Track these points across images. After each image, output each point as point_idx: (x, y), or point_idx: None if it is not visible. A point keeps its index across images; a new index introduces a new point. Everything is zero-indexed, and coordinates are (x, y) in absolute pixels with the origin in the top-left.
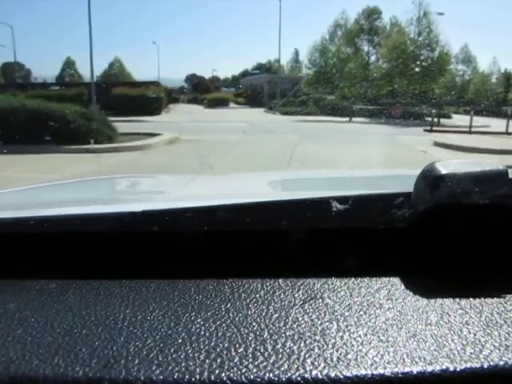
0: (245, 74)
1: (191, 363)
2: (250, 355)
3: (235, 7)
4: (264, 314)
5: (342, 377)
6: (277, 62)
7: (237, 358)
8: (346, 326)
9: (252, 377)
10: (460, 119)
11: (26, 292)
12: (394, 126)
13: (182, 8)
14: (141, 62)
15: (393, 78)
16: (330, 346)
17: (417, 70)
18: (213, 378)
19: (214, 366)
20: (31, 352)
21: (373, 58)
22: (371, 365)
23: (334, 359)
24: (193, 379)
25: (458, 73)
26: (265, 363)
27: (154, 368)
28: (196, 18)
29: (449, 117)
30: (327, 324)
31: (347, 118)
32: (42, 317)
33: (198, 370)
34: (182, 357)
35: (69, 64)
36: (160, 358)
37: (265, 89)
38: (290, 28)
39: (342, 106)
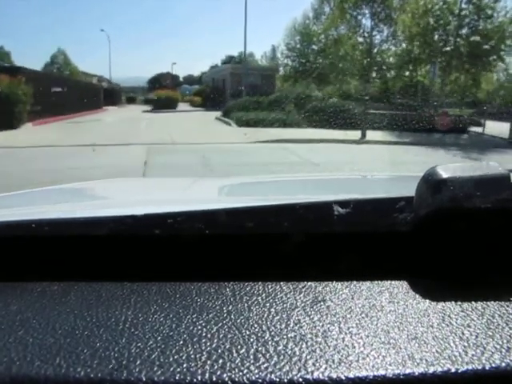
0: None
1: (193, 365)
2: (252, 357)
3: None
4: (265, 316)
5: (343, 378)
6: (251, 54)
7: (238, 360)
8: (348, 329)
9: (253, 378)
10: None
11: (28, 294)
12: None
13: (151, 8)
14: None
15: (419, 65)
16: (331, 348)
17: (462, 49)
18: (214, 379)
19: (216, 367)
20: (33, 353)
21: (378, 39)
22: (373, 366)
23: (336, 361)
24: (194, 380)
25: None
26: (266, 365)
27: (155, 369)
28: (169, 17)
29: (479, 124)
30: (329, 326)
31: (354, 132)
32: (44, 318)
33: (199, 371)
34: (183, 358)
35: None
36: (162, 360)
37: (227, 84)
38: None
39: (343, 111)
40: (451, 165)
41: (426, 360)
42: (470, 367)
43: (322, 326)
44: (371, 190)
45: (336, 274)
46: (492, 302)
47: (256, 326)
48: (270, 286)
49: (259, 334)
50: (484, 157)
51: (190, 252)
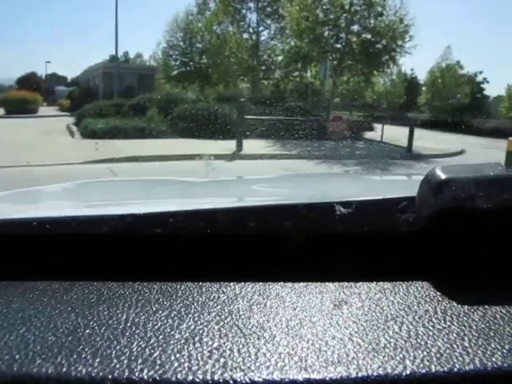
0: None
1: (194, 364)
2: (253, 356)
3: None
4: (266, 316)
5: (345, 378)
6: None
7: (239, 359)
8: (348, 328)
9: (255, 378)
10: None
11: (29, 293)
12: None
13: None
14: None
15: (309, 63)
16: (332, 347)
17: (354, 46)
18: (215, 378)
19: (217, 366)
20: (34, 351)
21: (265, 35)
22: (373, 366)
23: (337, 361)
24: (195, 380)
25: None
26: (267, 364)
27: (157, 368)
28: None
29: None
30: (329, 326)
31: (232, 143)
32: (45, 317)
33: (200, 370)
34: (185, 357)
35: None
36: (163, 359)
37: (99, 85)
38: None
39: (220, 117)
40: (453, 165)
41: (427, 360)
42: (471, 367)
43: (323, 325)
44: (373, 191)
45: (337, 275)
46: (493, 303)
47: (257, 325)
48: (271, 286)
49: (260, 334)
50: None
51: (192, 251)
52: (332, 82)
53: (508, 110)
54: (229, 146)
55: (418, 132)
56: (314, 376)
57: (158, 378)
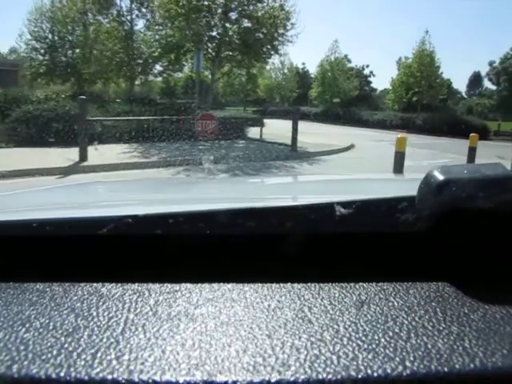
0: None
1: (195, 365)
2: (253, 356)
3: None
4: (267, 316)
5: (345, 378)
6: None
7: (240, 360)
8: (346, 329)
9: (255, 379)
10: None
11: (29, 294)
12: None
13: None
14: None
15: (184, 54)
16: (332, 347)
17: (233, 34)
18: (216, 379)
19: (218, 367)
20: (34, 353)
21: (139, 25)
22: (374, 366)
23: (336, 361)
24: (196, 380)
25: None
26: (267, 364)
27: (157, 369)
28: None
29: (262, 124)
30: (328, 326)
31: (73, 155)
32: (45, 318)
33: (202, 371)
34: (185, 358)
35: None
36: (163, 360)
37: None
38: None
39: (69, 119)
40: (453, 165)
41: (427, 361)
42: (471, 368)
43: (323, 326)
44: (373, 191)
45: (337, 275)
46: (493, 303)
47: (257, 325)
48: (272, 287)
49: (260, 334)
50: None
51: (192, 252)
52: (211, 75)
53: (393, 103)
54: (76, 155)
55: (309, 126)
56: (314, 376)
57: (158, 379)
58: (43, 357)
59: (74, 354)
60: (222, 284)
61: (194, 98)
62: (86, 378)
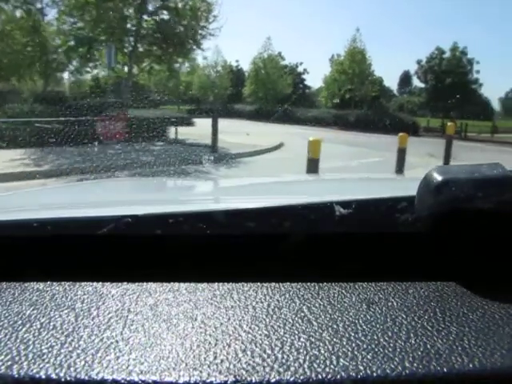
0: None
1: (191, 365)
2: (251, 356)
3: None
4: (266, 316)
5: (344, 378)
6: None
7: (239, 361)
8: (345, 329)
9: (254, 379)
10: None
11: (29, 293)
12: None
13: None
14: None
15: (96, 49)
16: (331, 347)
17: (149, 25)
18: (217, 380)
19: (219, 367)
20: (34, 353)
21: (50, 15)
22: (373, 366)
23: (335, 361)
24: (196, 380)
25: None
26: (266, 363)
27: (157, 370)
28: None
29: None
30: (327, 326)
31: None
32: (45, 318)
33: (200, 371)
34: (186, 359)
35: None
36: (164, 360)
37: None
38: None
39: None
40: (452, 165)
41: (426, 361)
42: (470, 368)
43: (322, 325)
44: (372, 191)
45: (336, 275)
46: (492, 303)
47: (256, 326)
48: (271, 287)
49: (260, 334)
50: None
51: (191, 252)
52: (127, 70)
53: (326, 100)
54: None
55: (242, 125)
56: (313, 376)
57: (157, 379)
58: (43, 357)
59: (74, 353)
60: (221, 284)
61: (121, 97)
62: (86, 377)
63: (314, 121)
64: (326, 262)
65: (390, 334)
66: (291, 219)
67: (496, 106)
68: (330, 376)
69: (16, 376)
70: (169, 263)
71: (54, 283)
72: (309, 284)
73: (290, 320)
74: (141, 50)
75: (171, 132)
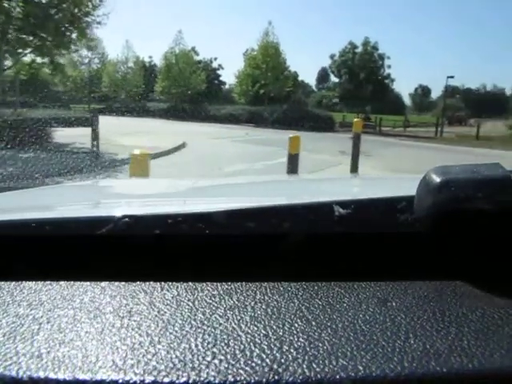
0: None
1: (193, 365)
2: (250, 356)
3: None
4: (265, 316)
5: (344, 378)
6: None
7: (239, 360)
8: (344, 329)
9: (252, 379)
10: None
11: (27, 293)
12: None
13: None
14: None
15: None
16: (330, 347)
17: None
18: (217, 380)
19: (219, 368)
20: (32, 352)
21: None
22: (372, 366)
23: (334, 361)
24: (196, 380)
25: (83, 60)
26: (265, 363)
27: (157, 371)
28: None
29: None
30: (326, 326)
31: None
32: (44, 317)
33: (198, 371)
34: (186, 359)
35: None
36: (165, 361)
37: None
38: None
39: None
40: (452, 165)
41: (425, 361)
42: (470, 368)
43: (320, 325)
44: (372, 191)
45: (336, 275)
46: (492, 303)
47: (255, 326)
48: (270, 287)
49: (258, 334)
50: None
51: (190, 252)
52: None
53: (240, 96)
54: None
55: (151, 124)
56: (312, 376)
57: (159, 380)
58: (42, 356)
59: (73, 353)
60: (220, 284)
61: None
62: (85, 377)
63: (230, 118)
64: (325, 262)
65: (389, 333)
66: (290, 219)
67: (407, 101)
68: (329, 376)
69: (14, 376)
70: (167, 263)
71: (52, 283)
72: (308, 284)
73: (289, 320)
74: (10, 37)
75: (58, 135)
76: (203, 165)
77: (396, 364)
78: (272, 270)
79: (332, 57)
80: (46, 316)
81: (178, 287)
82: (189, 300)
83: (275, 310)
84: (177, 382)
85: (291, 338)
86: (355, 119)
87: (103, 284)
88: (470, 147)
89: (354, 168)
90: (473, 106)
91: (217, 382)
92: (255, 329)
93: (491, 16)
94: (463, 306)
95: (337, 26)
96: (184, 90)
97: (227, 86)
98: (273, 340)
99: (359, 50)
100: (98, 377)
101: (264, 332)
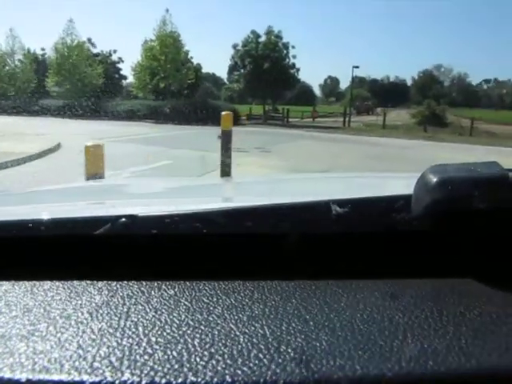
0: None
1: (190, 365)
2: (248, 354)
3: None
4: (263, 314)
5: (341, 377)
6: None
7: (239, 359)
8: (342, 328)
9: (252, 379)
10: None
11: (26, 293)
12: None
13: None
14: None
15: None
16: (328, 347)
17: None
18: (216, 380)
19: (218, 367)
20: (20, 353)
21: None
22: (370, 366)
23: (332, 361)
24: (193, 381)
25: None
26: (263, 363)
27: (150, 370)
28: None
29: None
30: (324, 326)
31: None
32: (42, 318)
33: (195, 371)
34: (185, 359)
35: None
36: (168, 362)
37: None
38: None
39: None
40: (449, 164)
41: (423, 360)
42: (468, 367)
43: (318, 325)
44: (369, 189)
45: (332, 274)
46: (489, 302)
47: (253, 325)
48: (267, 286)
49: (256, 334)
50: None
51: (188, 252)
52: None
53: (138, 90)
54: None
55: (40, 123)
56: (310, 376)
57: (158, 380)
58: (38, 357)
59: (69, 354)
60: (218, 283)
61: None
62: (82, 378)
63: (129, 114)
64: (323, 261)
65: (386, 333)
66: (288, 218)
67: (318, 92)
68: (326, 375)
69: (11, 377)
70: (164, 263)
71: (49, 283)
72: (306, 283)
73: (287, 319)
74: None
75: None
76: (65, 173)
77: (394, 363)
78: (269, 269)
79: (235, 47)
80: (42, 316)
81: (175, 287)
82: (186, 300)
83: (273, 309)
84: (174, 382)
85: (289, 337)
86: (223, 112)
87: (100, 284)
88: (377, 137)
89: (224, 173)
90: (379, 96)
91: (214, 382)
92: (253, 328)
93: (393, 14)
94: (461, 305)
95: (245, 16)
96: (79, 86)
97: (128, 81)
98: (270, 340)
99: (263, 39)
100: (95, 377)
101: (262, 332)
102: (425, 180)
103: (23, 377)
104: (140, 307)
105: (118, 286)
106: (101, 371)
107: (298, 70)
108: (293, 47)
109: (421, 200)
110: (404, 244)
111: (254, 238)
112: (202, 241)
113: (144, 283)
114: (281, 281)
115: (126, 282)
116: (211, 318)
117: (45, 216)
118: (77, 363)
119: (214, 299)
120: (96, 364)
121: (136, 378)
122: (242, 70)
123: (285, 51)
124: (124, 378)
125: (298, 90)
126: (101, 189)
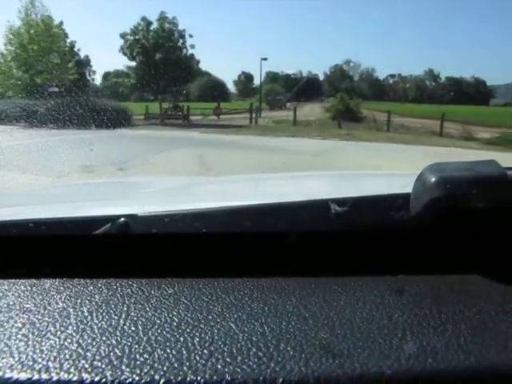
0: None
1: (190, 363)
2: (247, 353)
3: None
4: (262, 313)
5: (341, 375)
6: None
7: (238, 357)
8: (341, 326)
9: (251, 377)
10: None
11: (25, 292)
12: None
13: None
14: None
15: None
16: (328, 345)
17: None
18: (216, 378)
19: (218, 365)
20: (19, 352)
21: None
22: (369, 363)
23: (331, 359)
24: (192, 379)
25: None
26: (263, 362)
27: (150, 368)
28: None
29: None
30: (323, 323)
31: None
32: (40, 316)
33: (194, 369)
34: (185, 357)
35: None
36: (163, 359)
37: None
38: None
39: None
40: (448, 163)
41: (422, 358)
42: (466, 364)
43: (317, 322)
44: (367, 188)
45: (332, 272)
46: (488, 300)
47: (252, 324)
48: (267, 284)
49: (255, 332)
50: None
51: (187, 251)
52: None
53: (3, 87)
54: None
55: None
56: (309, 373)
57: (157, 377)
58: (36, 356)
59: (68, 352)
60: (217, 282)
61: None
62: (82, 377)
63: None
64: (322, 259)
65: (386, 331)
66: (287, 217)
67: (232, 88)
68: (326, 373)
69: (10, 376)
70: (164, 262)
71: (48, 282)
72: (305, 282)
73: (286, 318)
74: None
75: None
76: None
77: (393, 361)
78: (269, 267)
79: (123, 36)
80: (42, 315)
81: (174, 286)
82: (185, 298)
83: (272, 307)
84: (173, 380)
85: (288, 335)
86: None
87: (100, 283)
88: (286, 136)
89: None
90: (293, 91)
91: (214, 380)
92: (252, 327)
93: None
94: (460, 303)
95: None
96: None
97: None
98: (270, 338)
99: (155, 26)
100: (95, 376)
101: (261, 330)
102: (423, 179)
103: (23, 376)
104: (140, 306)
105: (118, 284)
106: (101, 370)
107: (198, 61)
108: (190, 36)
109: (419, 199)
110: (403, 242)
111: (253, 237)
112: (201, 240)
113: (143, 282)
114: (280, 279)
115: (125, 280)
116: (210, 317)
117: (45, 216)
118: (77, 362)
119: (214, 298)
120: (96, 362)
121: (136, 377)
122: (134, 63)
123: (181, 40)
124: (124, 376)
125: (205, 85)
126: (101, 188)
